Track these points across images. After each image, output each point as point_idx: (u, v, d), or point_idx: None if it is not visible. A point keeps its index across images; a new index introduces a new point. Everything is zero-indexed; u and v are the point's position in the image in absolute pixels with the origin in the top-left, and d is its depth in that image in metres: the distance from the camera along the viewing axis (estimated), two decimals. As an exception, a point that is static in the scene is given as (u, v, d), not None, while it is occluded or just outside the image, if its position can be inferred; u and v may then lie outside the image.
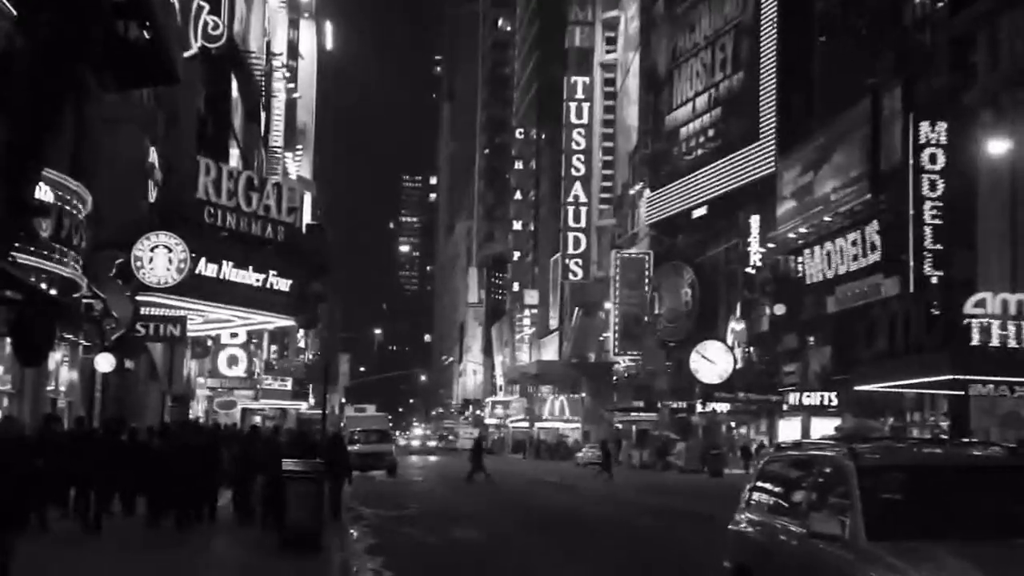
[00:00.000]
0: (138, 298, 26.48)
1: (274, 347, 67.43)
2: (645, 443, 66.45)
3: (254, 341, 56.22)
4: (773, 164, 55.51)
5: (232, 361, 45.97)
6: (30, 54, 13.56)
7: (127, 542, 17.62)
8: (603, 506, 31.50)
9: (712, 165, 63.89)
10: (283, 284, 30.31)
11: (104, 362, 26.91)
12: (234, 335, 44.03)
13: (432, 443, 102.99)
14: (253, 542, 17.98)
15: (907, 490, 8.52)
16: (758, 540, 9.85)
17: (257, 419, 62.05)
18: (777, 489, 9.95)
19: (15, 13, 15.08)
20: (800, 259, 51.54)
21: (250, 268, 29.17)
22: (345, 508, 25.90)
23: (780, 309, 53.61)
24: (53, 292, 19.88)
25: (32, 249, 18.69)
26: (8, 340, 18.12)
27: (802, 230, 50.41)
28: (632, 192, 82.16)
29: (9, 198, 13.93)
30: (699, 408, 60.14)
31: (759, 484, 10.42)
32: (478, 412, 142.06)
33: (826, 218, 47.96)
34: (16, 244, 16.92)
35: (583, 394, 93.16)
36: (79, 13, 13.80)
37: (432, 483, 44.80)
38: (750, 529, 10.13)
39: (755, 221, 57.41)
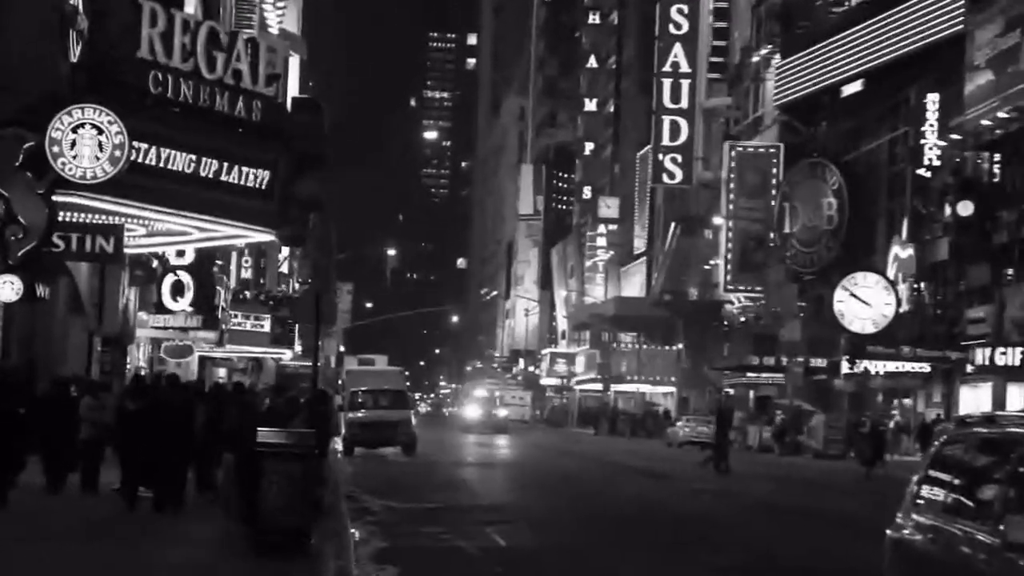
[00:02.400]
0: (55, 198, 26.64)
1: (246, 272, 67.97)
2: (766, 416, 66.45)
3: (218, 262, 56.77)
4: (961, 19, 54.79)
5: (177, 290, 46.10)
6: None
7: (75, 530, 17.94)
8: (715, 506, 31.57)
9: (872, 21, 63.18)
10: (259, 182, 30.41)
11: (7, 288, 27.19)
12: (181, 254, 44.25)
13: (502, 413, 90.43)
14: (218, 539, 18.18)
15: None
16: (927, 551, 9.92)
17: (222, 372, 62.94)
18: (958, 482, 9.97)
19: None
20: (997, 156, 50.91)
21: (213, 158, 29.28)
22: (343, 497, 26.12)
23: (966, 208, 52.71)
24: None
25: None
26: None
27: (1002, 115, 49.82)
28: (755, 59, 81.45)
29: None
30: (845, 368, 59.86)
31: (931, 474, 10.47)
32: (531, 368, 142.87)
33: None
34: None
35: (680, 346, 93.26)
36: None
37: (466, 465, 45.08)
38: (918, 536, 10.15)
39: (932, 102, 56.86)
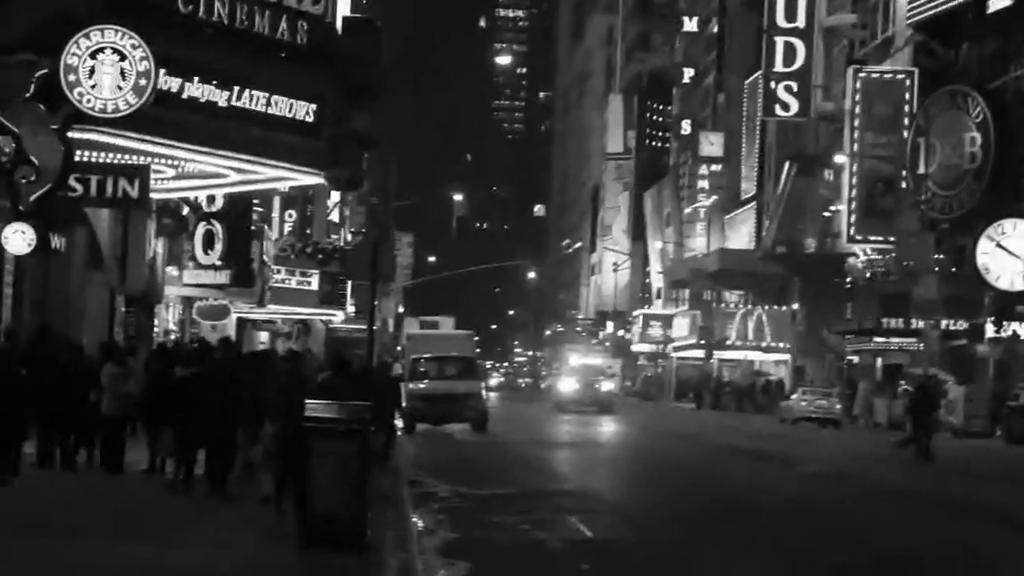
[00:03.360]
0: (72, 135, 26.84)
1: (290, 222, 68.30)
2: (896, 387, 66.15)
3: (257, 209, 57.12)
4: None
5: (208, 242, 46.31)
6: None
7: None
8: (837, 490, 31.57)
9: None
10: (306, 115, 30.55)
11: (18, 238, 27.40)
12: (212, 199, 44.46)
13: (606, 386, 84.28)
14: (261, 525, 18.30)
15: None
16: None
17: (263, 336, 63.43)
18: None
19: None
20: None
21: (252, 88, 29.41)
22: (406, 481, 26.24)
23: None
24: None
25: None
26: None
27: None
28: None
29: None
30: (990, 331, 59.55)
31: None
32: (621, 333, 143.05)
33: None
34: None
35: (795, 306, 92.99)
36: None
37: (546, 445, 45.14)
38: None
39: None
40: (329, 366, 25.51)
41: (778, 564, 19.31)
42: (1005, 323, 57.27)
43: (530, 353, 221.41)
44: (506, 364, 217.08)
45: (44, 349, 25.96)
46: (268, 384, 23.23)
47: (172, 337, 45.16)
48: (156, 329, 44.72)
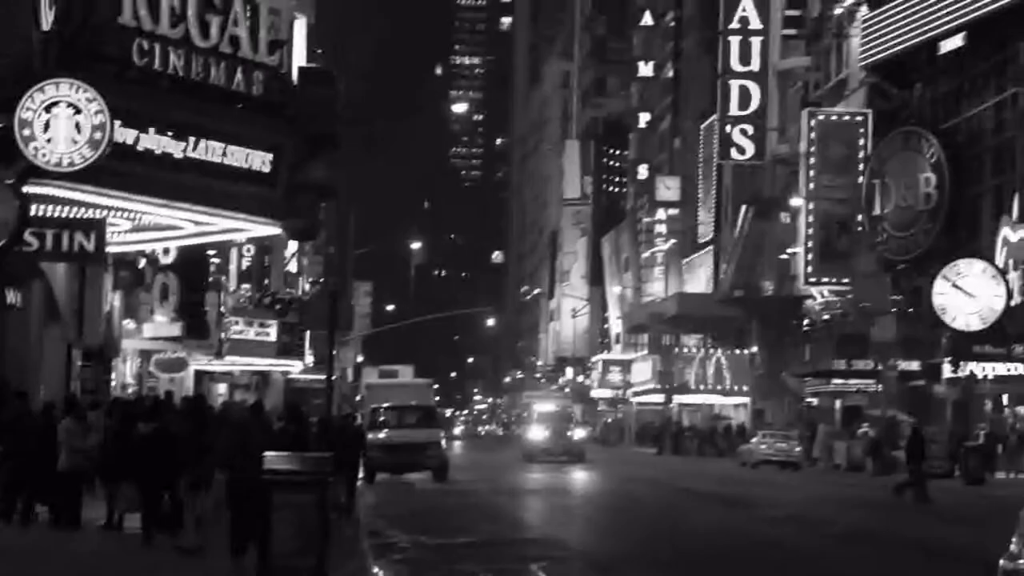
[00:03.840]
0: (27, 189, 26.80)
1: (248, 272, 68.16)
2: (856, 429, 66.33)
3: (214, 261, 57.00)
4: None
5: (163, 294, 46.40)
6: None
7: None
8: (800, 530, 31.63)
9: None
10: (262, 165, 30.54)
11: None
12: (166, 252, 44.48)
13: (578, 434, 78.31)
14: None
15: None
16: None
17: (222, 388, 63.33)
18: None
19: None
20: None
21: (208, 139, 29.39)
22: (366, 532, 26.20)
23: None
24: None
25: None
26: None
27: None
28: (838, 12, 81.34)
29: None
30: (947, 371, 59.82)
31: None
32: (580, 378, 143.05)
33: None
34: None
35: (754, 349, 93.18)
36: None
37: (506, 492, 45.07)
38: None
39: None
40: (285, 417, 25.57)
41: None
42: (962, 363, 57.45)
43: (490, 400, 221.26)
44: (466, 412, 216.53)
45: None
46: (220, 435, 23.21)
47: (130, 391, 45.01)
48: (114, 383, 44.56)
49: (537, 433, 73.42)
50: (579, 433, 77.00)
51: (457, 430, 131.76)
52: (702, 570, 23.92)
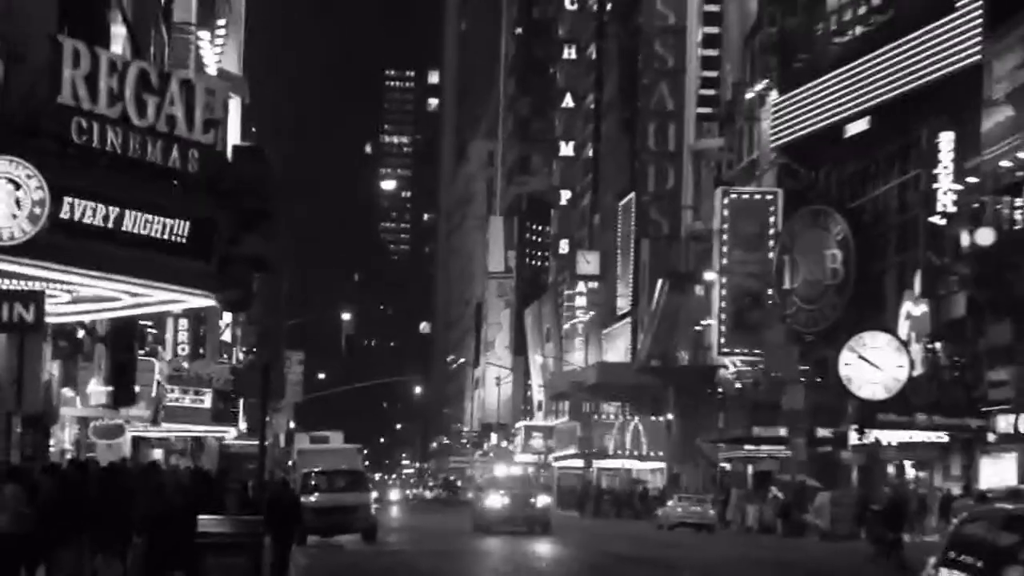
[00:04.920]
0: (-31, 263, 26.63)
1: (184, 343, 67.79)
2: (767, 493, 66.44)
3: (152, 331, 56.64)
4: (978, 49, 55.29)
5: (100, 363, 46.27)
6: None
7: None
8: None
9: (878, 52, 63.56)
10: (197, 239, 30.39)
11: (-83, 362, 27.15)
12: (102, 323, 44.25)
13: (545, 500, 64.43)
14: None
15: None
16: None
17: (158, 453, 62.80)
18: (980, 563, 10.08)
19: None
20: (1020, 201, 51.20)
21: (145, 213, 29.26)
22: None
23: (986, 237, 53.05)
24: None
25: None
26: None
27: (1023, 155, 50.19)
28: (750, 96, 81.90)
29: None
30: (853, 439, 59.92)
31: (951, 556, 10.57)
32: (504, 443, 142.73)
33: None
34: None
35: (669, 416, 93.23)
36: None
37: (435, 555, 44.95)
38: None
39: (946, 141, 57.22)
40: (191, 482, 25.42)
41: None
42: (867, 431, 57.69)
43: (417, 465, 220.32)
44: (394, 475, 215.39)
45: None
46: (139, 500, 23.15)
47: (68, 456, 44.58)
48: (52, 448, 44.11)
49: (495, 500, 59.95)
50: (543, 500, 63.06)
51: (393, 495, 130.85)
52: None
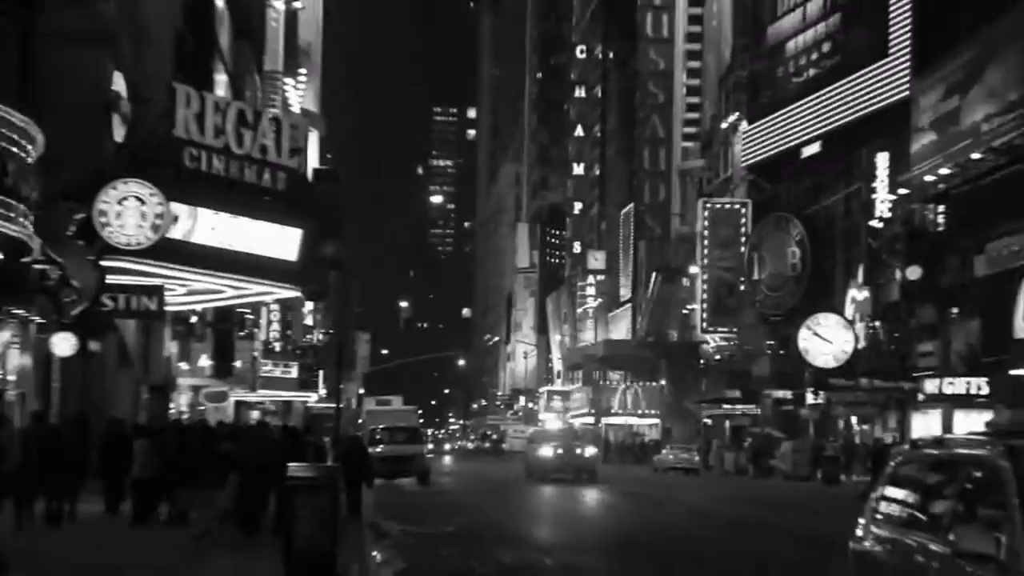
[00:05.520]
0: (104, 263, 26.65)
1: (275, 325, 68.01)
2: (741, 442, 66.40)
3: (249, 317, 56.78)
4: (907, 87, 55.04)
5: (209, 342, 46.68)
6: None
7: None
8: (686, 518, 31.56)
9: (828, 89, 63.46)
10: (288, 247, 30.42)
11: (63, 343, 27.22)
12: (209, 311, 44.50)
13: (591, 451, 57.25)
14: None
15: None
16: (886, 561, 9.91)
17: (255, 414, 63.09)
18: (911, 498, 10.02)
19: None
20: (941, 208, 51.05)
21: (244, 224, 29.28)
22: (367, 524, 26.05)
23: (915, 273, 53.17)
24: (-2, 255, 20.12)
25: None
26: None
27: (944, 171, 49.95)
28: (724, 126, 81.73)
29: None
30: (809, 399, 60.15)
31: (888, 492, 10.50)
32: (530, 405, 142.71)
33: (975, 155, 47.47)
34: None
35: (663, 382, 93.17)
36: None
37: (476, 493, 44.95)
38: (876, 548, 10.15)
39: (883, 160, 57.03)
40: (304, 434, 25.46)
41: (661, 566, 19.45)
42: (821, 392, 57.72)
43: (461, 422, 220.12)
44: (443, 431, 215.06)
45: (80, 430, 25.71)
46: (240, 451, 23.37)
47: (184, 416, 44.82)
48: (172, 410, 44.35)
49: (547, 451, 54.82)
50: (590, 450, 57.12)
51: (446, 446, 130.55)
52: (619, 550, 23.88)
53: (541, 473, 52.09)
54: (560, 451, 52.94)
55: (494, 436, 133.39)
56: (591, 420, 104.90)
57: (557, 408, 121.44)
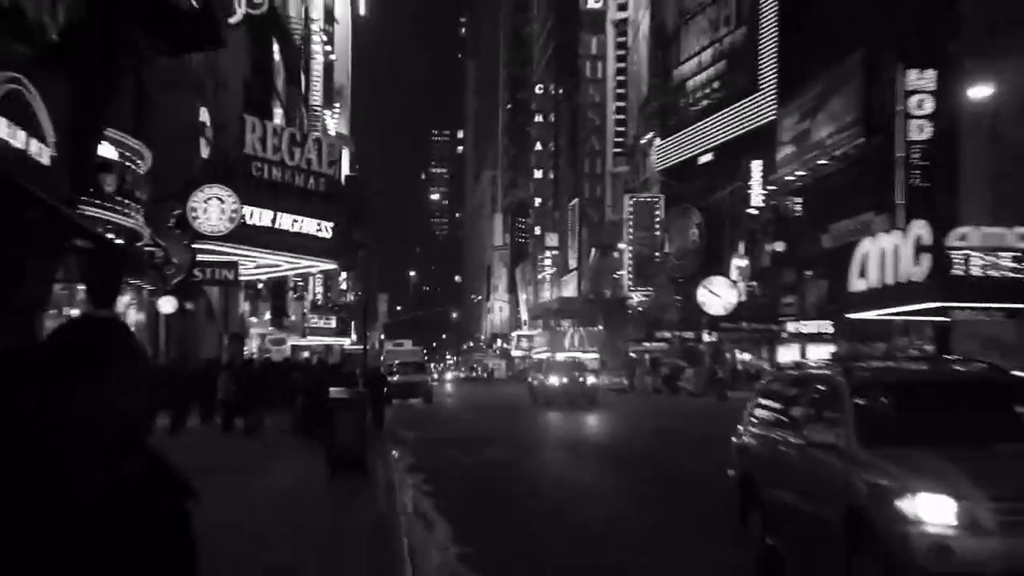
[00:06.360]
0: (195, 246, 26.69)
1: (319, 289, 67.80)
2: (657, 370, 66.55)
3: (299, 283, 56.54)
4: (773, 113, 55.06)
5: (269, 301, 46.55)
6: (91, 22, 13.62)
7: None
8: (620, 427, 31.69)
9: (717, 115, 63.45)
10: (326, 231, 30.45)
11: (167, 304, 27.23)
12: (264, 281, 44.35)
13: (592, 380, 48.69)
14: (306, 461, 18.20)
15: (895, 403, 8.62)
16: (760, 451, 9.97)
17: (305, 354, 63.00)
18: (777, 405, 10.03)
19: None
20: (799, 200, 51.31)
21: (296, 217, 29.31)
22: (386, 431, 26.18)
23: (779, 246, 53.50)
24: (119, 241, 20.08)
25: (98, 202, 18.86)
26: (81, 288, 18.35)
27: (799, 173, 50.13)
28: (643, 142, 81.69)
29: (74, 153, 14.04)
30: (706, 337, 60.36)
31: (760, 402, 10.53)
32: (505, 345, 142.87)
33: (821, 162, 47.66)
34: (84, 197, 17.06)
35: (600, 327, 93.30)
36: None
37: (466, 409, 44.91)
38: (752, 441, 10.26)
39: (756, 166, 57.07)
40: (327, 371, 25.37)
41: (595, 467, 19.56)
42: (714, 332, 58.01)
43: (455, 358, 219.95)
44: (441, 364, 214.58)
45: (183, 365, 25.78)
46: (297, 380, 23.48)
47: (255, 356, 44.77)
48: (246, 352, 44.32)
49: (553, 379, 46.44)
50: (591, 379, 48.70)
51: (448, 376, 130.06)
52: (569, 442, 23.98)
53: (547, 399, 44.67)
54: (565, 380, 45.63)
55: (479, 368, 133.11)
56: (548, 355, 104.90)
57: (524, 347, 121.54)
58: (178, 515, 2.10)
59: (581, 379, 45.95)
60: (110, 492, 2.01)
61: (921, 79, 38.56)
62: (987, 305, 30.29)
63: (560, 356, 79.14)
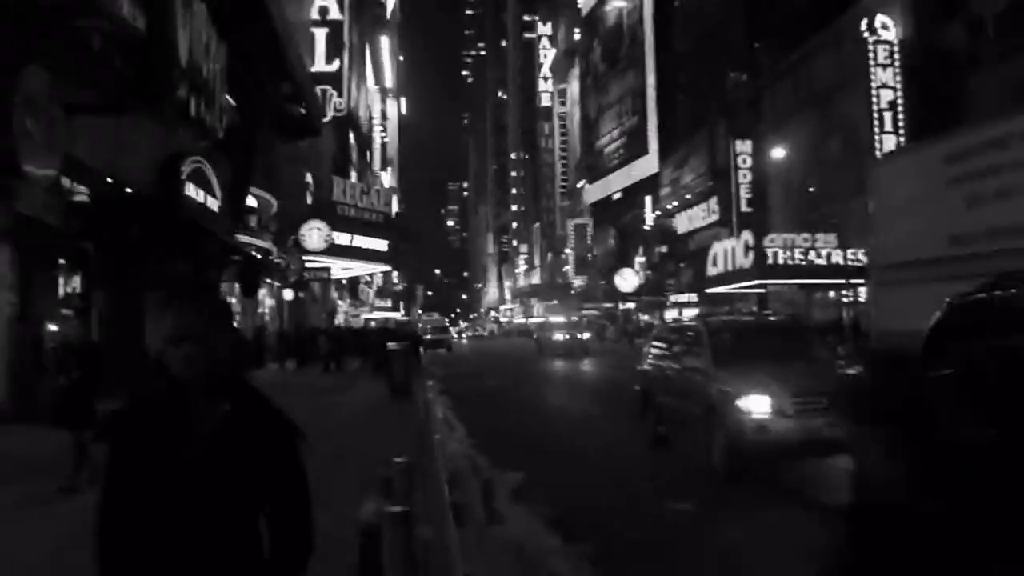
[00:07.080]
0: (304, 258, 26.60)
1: (380, 282, 67.38)
2: (591, 327, 66.16)
3: (368, 279, 55.87)
4: (656, 168, 55.24)
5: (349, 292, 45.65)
6: (242, 126, 13.69)
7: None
8: (569, 362, 31.58)
9: (622, 169, 63.57)
10: (383, 246, 30.36)
11: (288, 294, 27.16)
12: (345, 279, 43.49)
13: (586, 335, 43.23)
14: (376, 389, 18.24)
15: (735, 340, 8.81)
16: (653, 374, 10.11)
17: (373, 323, 62.69)
18: (664, 345, 10.06)
19: (233, 103, 15.18)
20: (674, 220, 51.52)
21: (365, 238, 29.19)
22: (424, 370, 26.14)
23: (664, 249, 53.48)
24: (259, 256, 20.07)
25: (246, 232, 18.85)
26: (237, 284, 18.39)
27: (674, 203, 50.24)
28: (579, 186, 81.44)
29: (232, 203, 14.12)
30: (620, 306, 60.22)
31: (654, 344, 10.64)
32: (494, 314, 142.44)
33: (687, 196, 47.91)
34: (237, 230, 17.07)
35: (555, 301, 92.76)
36: (266, 101, 13.95)
37: (480, 355, 43.80)
38: (649, 368, 10.41)
39: (648, 200, 57.22)
40: (387, 333, 25.10)
41: (554, 386, 19.60)
42: (625, 302, 57.76)
43: (465, 323, 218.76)
44: (456, 328, 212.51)
45: (304, 332, 25.51)
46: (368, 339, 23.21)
47: (341, 325, 44.32)
48: (337, 322, 43.98)
49: (557, 336, 39.21)
50: (586, 335, 42.51)
51: (467, 333, 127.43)
52: (548, 382, 23.87)
53: (552, 351, 37.10)
54: (567, 336, 38.68)
55: (481, 328, 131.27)
56: (523, 320, 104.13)
57: (507, 315, 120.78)
58: (291, 449, 1.92)
59: (579, 336, 39.52)
60: (219, 422, 1.86)
61: (743, 146, 39.38)
62: (786, 281, 30.93)
63: (553, 319, 78.57)
